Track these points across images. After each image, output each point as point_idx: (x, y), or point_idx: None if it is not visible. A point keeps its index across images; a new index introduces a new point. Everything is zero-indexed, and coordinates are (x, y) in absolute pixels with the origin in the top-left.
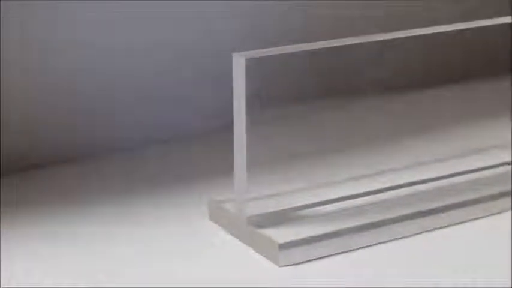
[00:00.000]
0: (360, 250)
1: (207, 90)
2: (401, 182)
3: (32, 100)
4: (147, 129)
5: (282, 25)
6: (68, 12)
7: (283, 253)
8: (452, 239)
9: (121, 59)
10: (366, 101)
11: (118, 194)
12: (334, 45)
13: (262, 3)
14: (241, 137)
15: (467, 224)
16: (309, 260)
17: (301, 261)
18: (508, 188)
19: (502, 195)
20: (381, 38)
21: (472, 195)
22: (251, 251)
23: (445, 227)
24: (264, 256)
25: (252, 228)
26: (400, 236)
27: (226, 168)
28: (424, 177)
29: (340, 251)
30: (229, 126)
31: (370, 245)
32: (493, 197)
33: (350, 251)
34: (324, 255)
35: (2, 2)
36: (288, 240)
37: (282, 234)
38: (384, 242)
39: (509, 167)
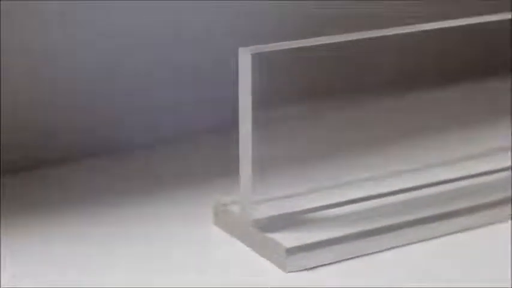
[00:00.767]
0: (370, 255)
1: (209, 90)
2: (409, 185)
3: (32, 100)
4: (147, 129)
5: (284, 26)
6: (68, 12)
7: (290, 258)
8: (466, 244)
9: (121, 59)
10: (376, 100)
11: (119, 196)
12: (341, 40)
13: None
14: (247, 136)
15: (471, 231)
16: (318, 266)
17: (309, 267)
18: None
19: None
20: (381, 34)
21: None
22: (256, 256)
23: (460, 231)
24: (270, 261)
25: (258, 232)
26: (416, 240)
27: (231, 169)
28: (435, 179)
29: (350, 257)
30: (234, 126)
31: (382, 251)
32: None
33: (360, 256)
34: (333, 261)
35: (1, 2)
36: (295, 244)
37: (289, 238)
38: (397, 247)
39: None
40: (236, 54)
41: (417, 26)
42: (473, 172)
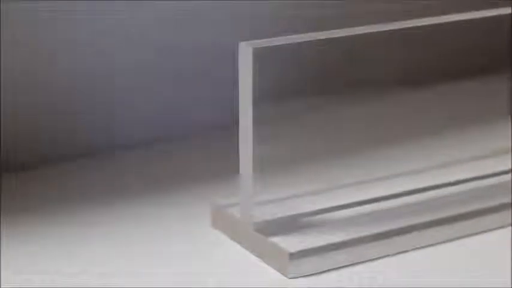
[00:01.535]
0: (375, 261)
1: (209, 89)
2: (413, 187)
3: (31, 100)
4: (147, 129)
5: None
6: (68, 12)
7: (293, 263)
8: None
9: (121, 59)
10: (379, 96)
11: (118, 197)
12: (346, 34)
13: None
14: (247, 135)
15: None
16: (321, 272)
17: (312, 272)
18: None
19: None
20: (382, 29)
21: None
22: (257, 261)
23: (467, 235)
24: (272, 266)
25: (259, 236)
26: (423, 245)
27: (231, 170)
28: (443, 181)
29: (355, 262)
30: (233, 125)
31: (387, 256)
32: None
33: (366, 261)
34: (337, 266)
35: (1, 2)
36: (299, 249)
37: (292, 242)
38: (402, 252)
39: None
40: (236, 52)
41: (414, 21)
42: (473, 175)
